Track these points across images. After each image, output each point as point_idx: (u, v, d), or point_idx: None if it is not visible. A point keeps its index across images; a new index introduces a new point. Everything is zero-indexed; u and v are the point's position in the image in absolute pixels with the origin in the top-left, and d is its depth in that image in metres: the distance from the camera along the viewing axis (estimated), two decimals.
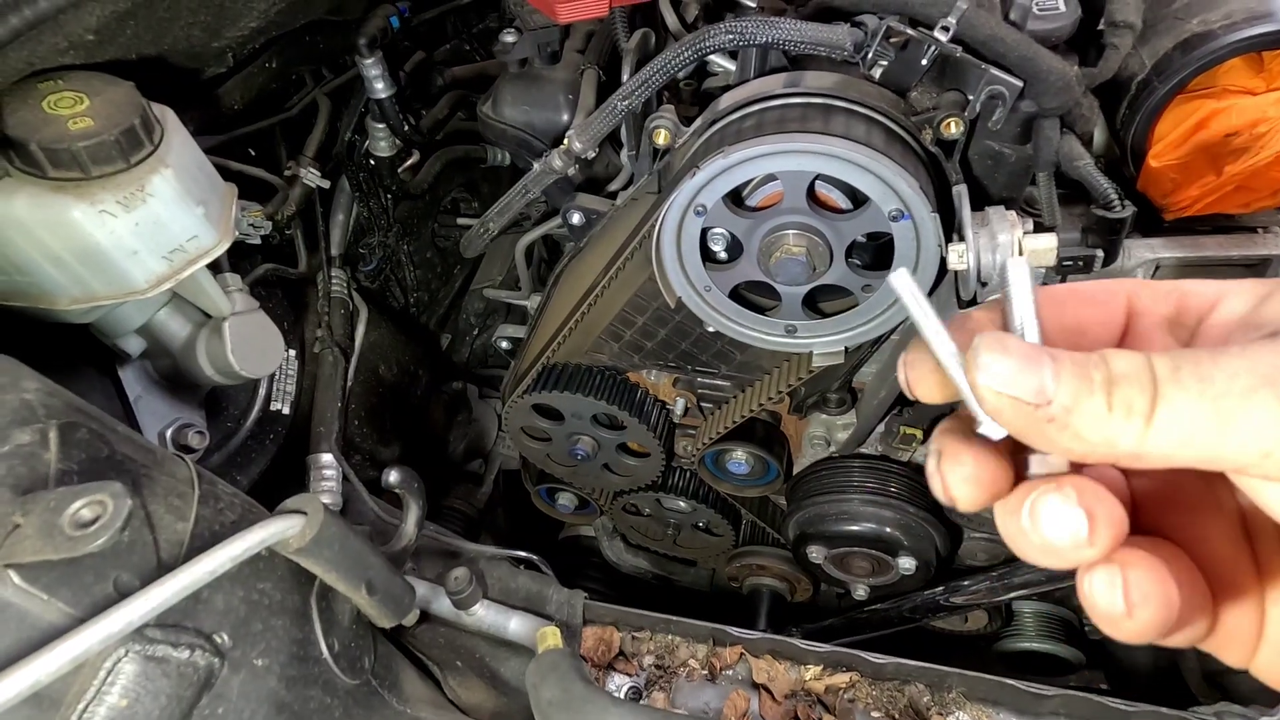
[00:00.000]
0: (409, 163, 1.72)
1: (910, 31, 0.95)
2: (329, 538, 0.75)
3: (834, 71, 1.01)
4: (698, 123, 1.08)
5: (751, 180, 0.99)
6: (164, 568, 0.65)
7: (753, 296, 1.10)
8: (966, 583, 1.47)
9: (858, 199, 0.98)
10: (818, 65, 1.04)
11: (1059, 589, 1.44)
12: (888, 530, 1.38)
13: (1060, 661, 1.64)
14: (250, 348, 1.18)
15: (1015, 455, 0.37)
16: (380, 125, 1.61)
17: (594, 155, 1.15)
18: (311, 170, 1.52)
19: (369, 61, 1.46)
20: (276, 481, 1.38)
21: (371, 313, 1.67)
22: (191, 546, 0.69)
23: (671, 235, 1.02)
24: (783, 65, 1.06)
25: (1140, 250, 1.06)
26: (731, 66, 1.14)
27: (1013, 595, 1.46)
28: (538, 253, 1.72)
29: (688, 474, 1.56)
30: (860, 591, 1.53)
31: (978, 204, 0.98)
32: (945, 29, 0.93)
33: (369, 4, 1.46)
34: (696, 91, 1.20)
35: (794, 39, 0.96)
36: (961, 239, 0.95)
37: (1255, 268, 1.06)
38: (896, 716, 1.06)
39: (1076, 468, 0.36)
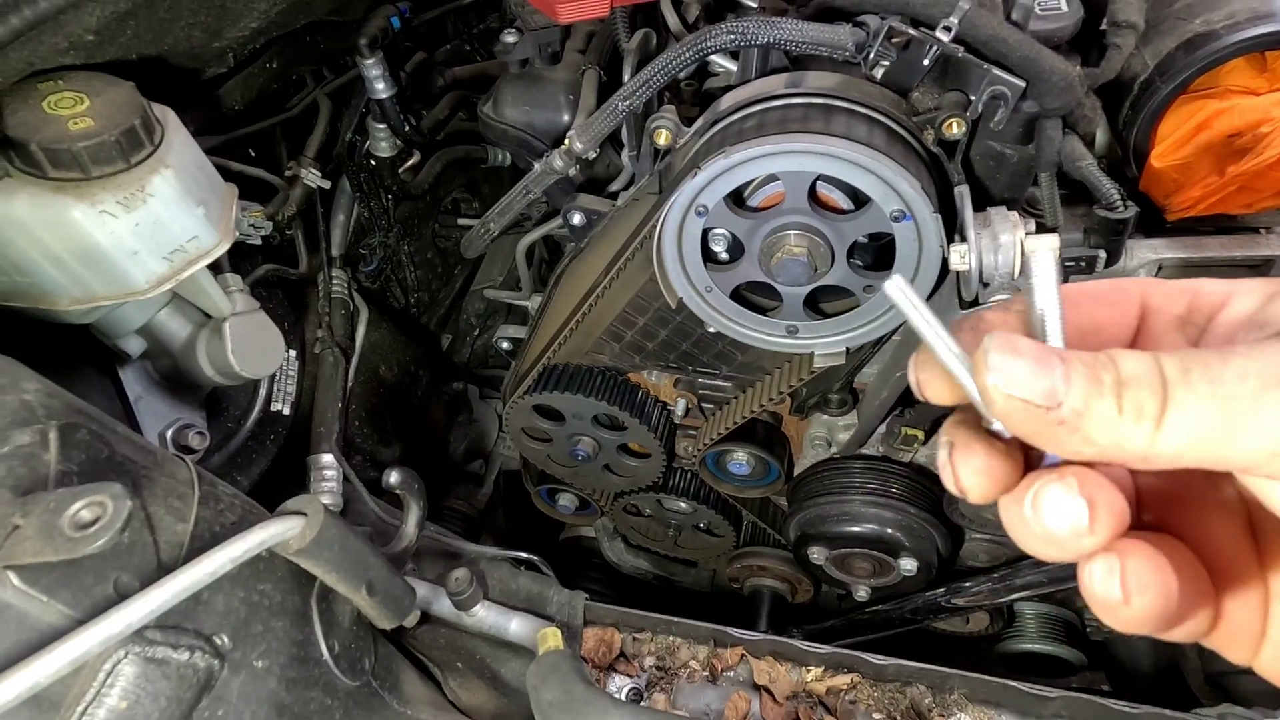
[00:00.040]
0: (410, 163, 1.72)
1: (912, 32, 0.95)
2: (329, 539, 0.75)
3: (835, 72, 1.01)
4: (699, 123, 1.07)
5: (753, 181, 0.99)
6: (164, 569, 0.65)
7: (754, 297, 1.10)
8: (968, 584, 1.46)
9: (859, 199, 0.97)
10: (819, 65, 1.04)
11: (1061, 590, 1.44)
12: (889, 531, 1.37)
13: (1062, 663, 1.64)
14: (251, 348, 1.18)
15: (1026, 448, 0.37)
16: (381, 126, 1.61)
17: (595, 156, 1.15)
18: (312, 171, 1.52)
19: (370, 62, 1.46)
20: (277, 482, 1.38)
21: (372, 313, 1.67)
22: (191, 548, 0.69)
23: (673, 236, 1.02)
24: (784, 65, 1.06)
25: (1143, 251, 1.06)
26: (733, 67, 1.14)
27: (1014, 597, 1.46)
28: (538, 253, 1.72)
29: (689, 475, 1.56)
30: (861, 593, 1.53)
31: (980, 204, 0.98)
32: (947, 29, 0.92)
33: (370, 4, 1.46)
34: (698, 92, 1.19)
35: (795, 39, 0.96)
36: (963, 239, 0.95)
37: (1258, 268, 1.06)
38: (898, 718, 1.06)
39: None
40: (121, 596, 0.61)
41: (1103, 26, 1.03)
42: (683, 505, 1.58)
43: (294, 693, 0.77)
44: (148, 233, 0.96)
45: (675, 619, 1.16)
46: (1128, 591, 0.33)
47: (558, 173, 1.17)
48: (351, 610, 0.88)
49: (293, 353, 1.46)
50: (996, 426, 0.36)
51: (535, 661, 0.97)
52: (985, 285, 0.98)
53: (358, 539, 0.80)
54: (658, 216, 1.00)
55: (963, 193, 0.98)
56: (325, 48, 1.47)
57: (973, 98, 0.96)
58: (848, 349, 1.10)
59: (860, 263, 1.02)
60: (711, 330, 1.12)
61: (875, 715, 1.06)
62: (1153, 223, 1.07)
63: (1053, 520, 0.33)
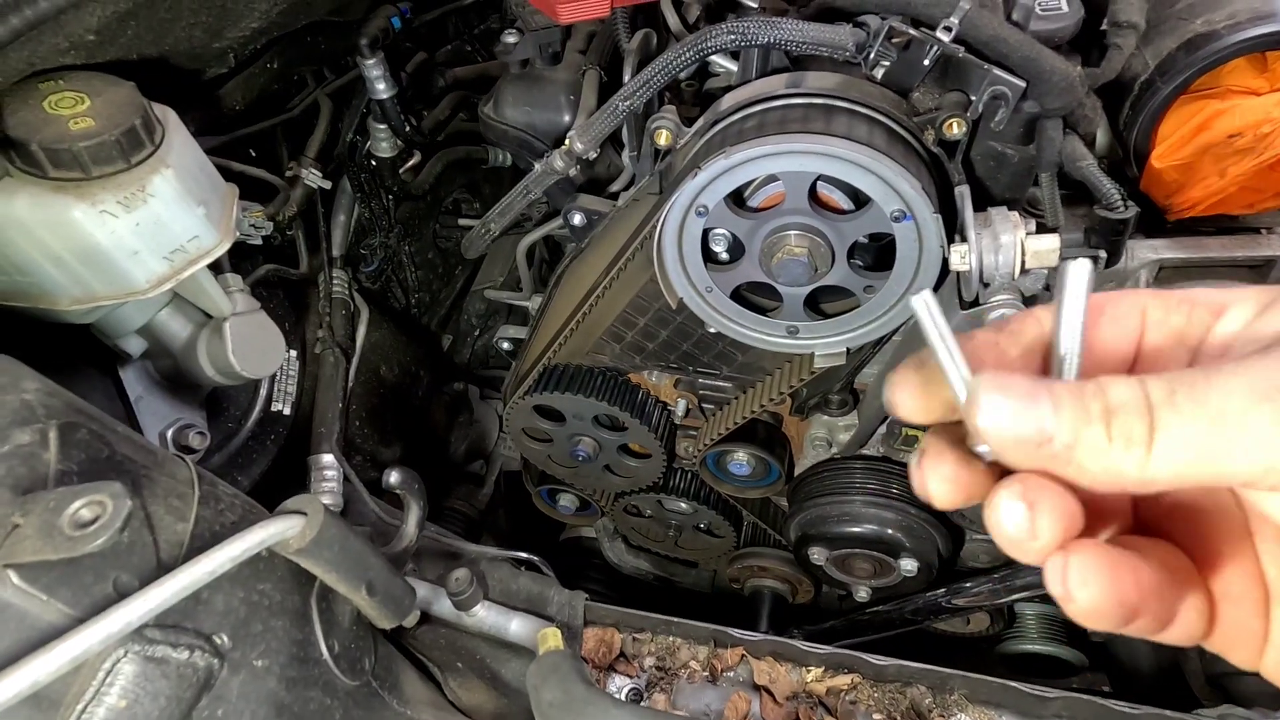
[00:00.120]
0: (410, 163, 1.72)
1: (912, 32, 0.95)
2: (329, 538, 0.75)
3: (836, 72, 1.01)
4: (699, 123, 1.07)
5: (753, 181, 0.99)
6: (163, 568, 0.65)
7: (754, 297, 1.10)
8: (968, 585, 1.46)
9: (859, 200, 0.97)
10: (819, 66, 1.04)
11: None
12: (889, 532, 1.37)
13: (1063, 663, 1.64)
14: (251, 348, 1.18)
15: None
16: (382, 126, 1.61)
17: (595, 156, 1.15)
18: (313, 171, 1.52)
19: (370, 62, 1.46)
20: (277, 482, 1.38)
21: (373, 313, 1.67)
22: (191, 547, 0.69)
23: (673, 236, 1.02)
24: (784, 66, 1.06)
25: (1143, 251, 1.06)
26: (733, 67, 1.14)
27: (1015, 597, 1.45)
28: (539, 254, 1.72)
29: (689, 475, 1.56)
30: (862, 593, 1.53)
31: (980, 205, 0.98)
32: (948, 29, 0.92)
33: (370, 5, 1.46)
34: (698, 92, 1.19)
35: (796, 39, 0.96)
36: (964, 240, 0.95)
37: (1259, 269, 1.06)
38: (898, 718, 1.06)
39: None
40: (121, 595, 0.61)
41: (1103, 26, 1.02)
42: (683, 506, 1.58)
43: (294, 692, 0.76)
44: (148, 232, 0.96)
45: (675, 619, 1.16)
46: (1068, 588, 0.34)
47: (558, 173, 1.17)
48: (351, 610, 0.88)
49: (293, 353, 1.46)
50: (982, 449, 0.37)
51: (535, 662, 0.97)
52: (985, 285, 0.98)
53: (358, 539, 0.80)
54: (658, 217, 1.00)
55: (963, 193, 0.98)
56: (326, 48, 1.47)
57: (973, 98, 0.96)
58: (848, 349, 1.10)
59: (861, 263, 1.02)
60: (712, 331, 1.12)
61: (875, 716, 1.06)
62: (1153, 223, 1.06)
63: (1005, 524, 0.35)
